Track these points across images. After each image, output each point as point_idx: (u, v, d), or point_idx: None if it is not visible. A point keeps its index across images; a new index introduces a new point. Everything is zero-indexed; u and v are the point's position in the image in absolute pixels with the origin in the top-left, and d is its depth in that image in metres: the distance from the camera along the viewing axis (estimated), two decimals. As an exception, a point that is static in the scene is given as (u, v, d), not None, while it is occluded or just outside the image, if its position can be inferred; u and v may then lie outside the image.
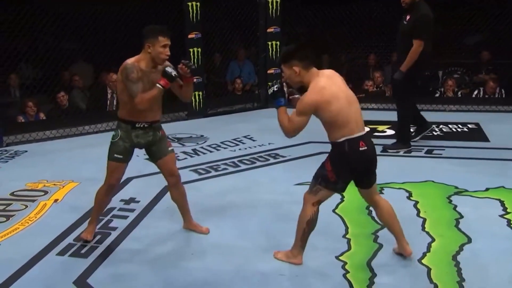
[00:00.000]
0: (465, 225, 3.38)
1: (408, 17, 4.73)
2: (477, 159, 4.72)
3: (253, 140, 5.54)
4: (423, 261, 2.97)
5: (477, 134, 5.58)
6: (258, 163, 4.81)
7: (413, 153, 5.01)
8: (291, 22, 7.31)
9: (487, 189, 3.96)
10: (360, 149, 2.72)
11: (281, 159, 4.93)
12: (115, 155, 3.10)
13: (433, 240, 3.21)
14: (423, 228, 3.39)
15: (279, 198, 3.95)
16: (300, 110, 2.72)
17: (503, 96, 6.90)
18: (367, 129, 2.92)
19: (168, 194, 3.99)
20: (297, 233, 2.92)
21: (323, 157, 5.16)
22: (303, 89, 2.82)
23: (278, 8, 6.73)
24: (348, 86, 2.89)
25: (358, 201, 3.76)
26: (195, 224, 3.39)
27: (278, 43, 6.84)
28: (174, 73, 2.96)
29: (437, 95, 7.30)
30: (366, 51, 7.82)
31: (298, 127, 2.78)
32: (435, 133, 5.64)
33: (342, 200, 3.86)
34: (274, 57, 6.86)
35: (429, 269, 2.88)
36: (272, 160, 4.90)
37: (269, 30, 6.81)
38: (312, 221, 2.87)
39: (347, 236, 3.32)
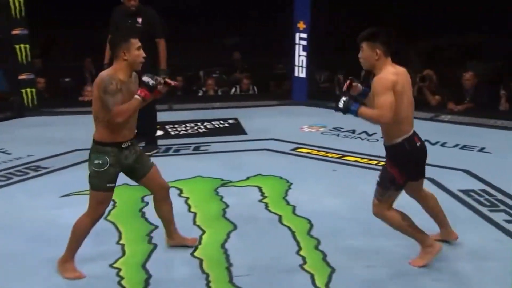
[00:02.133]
0: (231, 214, 3.66)
1: (140, 20, 4.86)
2: (238, 151, 5.15)
3: (8, 154, 5.00)
4: (195, 254, 3.12)
5: (236, 128, 6.09)
6: (16, 178, 4.37)
7: (182, 151, 5.20)
8: (41, 23, 6.81)
9: (247, 178, 4.35)
10: (417, 144, 2.80)
11: (44, 171, 4.57)
12: (108, 185, 2.79)
13: (204, 232, 3.39)
14: (194, 222, 3.55)
15: (47, 213, 3.68)
16: (382, 88, 2.64)
17: (256, 92, 7.68)
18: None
19: None
20: (409, 235, 2.90)
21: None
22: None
23: (22, 8, 6.17)
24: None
25: (130, 205, 3.79)
26: (183, 238, 3.17)
27: (27, 46, 6.28)
28: (151, 82, 2.70)
29: (200, 94, 7.72)
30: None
31: (390, 105, 2.62)
32: (200, 130, 5.96)
33: (114, 206, 3.79)
34: (24, 61, 6.29)
35: (201, 261, 3.04)
36: (32, 174, 4.50)
37: (14, 32, 6.20)
38: (403, 218, 2.86)
39: (120, 242, 3.28)
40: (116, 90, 2.68)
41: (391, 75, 2.67)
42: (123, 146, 2.80)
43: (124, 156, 2.83)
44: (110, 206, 3.72)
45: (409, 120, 2.78)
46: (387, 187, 2.81)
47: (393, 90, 2.64)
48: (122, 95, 2.71)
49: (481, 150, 5.10)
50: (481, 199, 3.89)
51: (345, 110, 2.72)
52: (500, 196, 3.92)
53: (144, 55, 2.82)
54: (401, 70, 2.78)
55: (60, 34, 8.40)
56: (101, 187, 2.80)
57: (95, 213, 2.86)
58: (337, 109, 2.75)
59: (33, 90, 6.49)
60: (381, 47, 2.70)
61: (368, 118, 2.70)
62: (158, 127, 5.46)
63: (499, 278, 2.85)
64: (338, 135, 5.70)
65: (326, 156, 4.88)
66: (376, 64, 2.72)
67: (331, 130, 5.86)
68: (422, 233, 2.89)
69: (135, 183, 4.14)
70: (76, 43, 8.19)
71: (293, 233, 3.38)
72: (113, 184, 2.85)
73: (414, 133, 2.81)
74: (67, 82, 7.54)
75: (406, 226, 2.86)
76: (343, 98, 2.74)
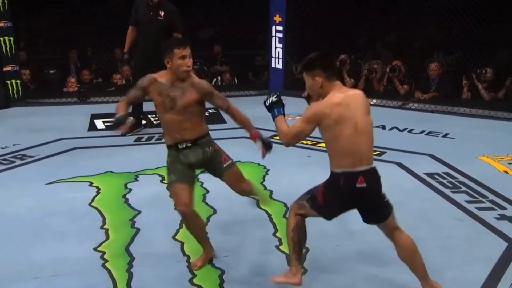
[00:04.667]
0: (211, 199, 3.65)
1: (162, 13, 4.82)
2: (218, 139, 5.00)
3: (-6, 143, 4.91)
4: (176, 237, 3.11)
5: (216, 117, 6.05)
6: (2, 167, 4.29)
7: (163, 140, 5.15)
8: (27, 16, 6.65)
9: (227, 165, 4.34)
10: (358, 185, 2.31)
11: (30, 159, 4.50)
12: (172, 175, 2.74)
13: (185, 216, 3.38)
14: (176, 208, 3.51)
15: (32, 200, 3.63)
16: (306, 116, 2.37)
17: (236, 83, 7.64)
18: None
19: None
20: (288, 247, 2.52)
21: (75, 153, 4.96)
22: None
23: (5, 1, 6.01)
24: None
25: (114, 192, 3.76)
26: None
27: (11, 38, 6.14)
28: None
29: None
30: (111, 46, 7.68)
31: (298, 133, 2.39)
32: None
33: (98, 193, 3.75)
34: (8, 53, 6.15)
35: (182, 243, 3.03)
36: (18, 162, 4.42)
37: (-2, 25, 6.06)
38: (299, 229, 2.46)
39: (104, 226, 3.25)
40: (139, 86, 2.73)
41: (325, 106, 2.32)
42: (179, 147, 2.74)
43: (182, 155, 2.75)
44: (94, 193, 3.73)
45: (356, 154, 2.32)
46: (306, 198, 2.48)
47: (319, 123, 2.34)
48: (160, 97, 2.70)
49: (445, 136, 5.19)
50: (445, 181, 3.96)
51: (268, 108, 2.51)
52: (461, 179, 4.00)
53: (189, 64, 2.68)
54: (353, 94, 2.39)
55: (44, 26, 8.21)
56: (168, 180, 2.81)
57: (178, 208, 2.79)
58: (265, 101, 2.53)
59: (18, 81, 6.36)
60: (321, 74, 2.35)
61: (277, 130, 2.47)
62: (142, 116, 5.43)
63: (461, 254, 2.91)
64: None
65: (301, 143, 4.86)
66: (321, 92, 2.38)
67: (306, 118, 5.87)
68: (298, 258, 2.50)
69: (119, 171, 4.17)
70: (60, 36, 8.02)
71: (269, 216, 3.40)
72: (176, 177, 2.74)
73: (363, 172, 2.33)
74: (52, 73, 7.39)
75: (291, 236, 2.48)
76: (274, 98, 2.49)
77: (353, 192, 2.35)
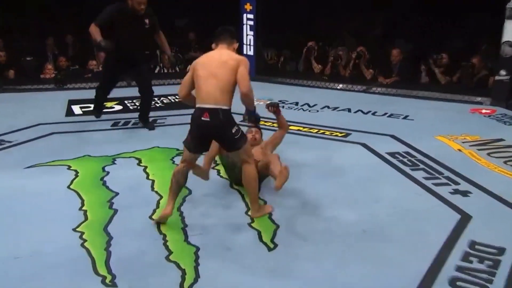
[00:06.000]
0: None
1: (147, 21, 4.68)
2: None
3: (-29, 130, 4.72)
4: (153, 217, 3.07)
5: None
6: (-20, 152, 4.14)
7: (140, 124, 5.06)
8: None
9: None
10: (203, 118, 2.79)
11: (7, 144, 4.35)
12: None
13: (161, 197, 3.33)
14: (152, 189, 3.49)
15: (11, 184, 3.51)
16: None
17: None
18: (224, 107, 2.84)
19: None
20: (170, 185, 2.99)
21: (53, 138, 4.84)
22: None
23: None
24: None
25: (92, 174, 3.68)
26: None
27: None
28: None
29: (156, 71, 7.50)
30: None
31: (183, 81, 3.00)
32: (157, 105, 5.82)
33: (76, 176, 3.67)
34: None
35: (158, 224, 2.98)
36: (-3, 147, 4.28)
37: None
38: (181, 174, 2.95)
39: (83, 208, 3.17)
40: None
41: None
42: None
43: None
44: (72, 176, 3.64)
45: (204, 93, 2.82)
46: (184, 141, 2.96)
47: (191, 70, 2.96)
48: None
49: (405, 117, 5.26)
50: (405, 159, 4.02)
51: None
52: (420, 157, 4.07)
53: None
54: (220, 51, 2.97)
55: (21, 16, 7.90)
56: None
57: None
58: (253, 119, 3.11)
59: (-5, 68, 6.13)
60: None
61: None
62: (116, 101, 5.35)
63: (419, 225, 2.97)
64: (283, 107, 5.71)
65: (273, 126, 4.88)
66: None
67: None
68: (173, 198, 2.97)
69: (96, 154, 4.08)
70: (38, 25, 7.75)
71: (242, 196, 3.39)
72: None
73: (209, 109, 2.79)
74: (29, 60, 7.14)
75: (175, 184, 2.96)
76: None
77: (198, 123, 2.82)
